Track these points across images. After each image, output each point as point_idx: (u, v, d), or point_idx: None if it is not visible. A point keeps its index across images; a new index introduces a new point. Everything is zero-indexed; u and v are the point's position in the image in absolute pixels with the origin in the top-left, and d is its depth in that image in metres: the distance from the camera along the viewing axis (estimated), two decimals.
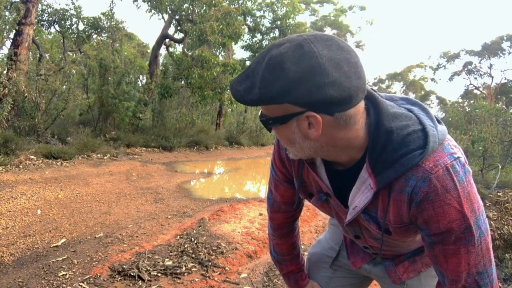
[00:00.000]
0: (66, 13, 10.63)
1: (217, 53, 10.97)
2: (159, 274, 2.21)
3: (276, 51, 0.61)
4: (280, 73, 0.59)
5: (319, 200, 0.87)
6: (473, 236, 0.66)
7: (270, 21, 13.58)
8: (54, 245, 2.64)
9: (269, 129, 0.71)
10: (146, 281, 2.11)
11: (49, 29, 11.28)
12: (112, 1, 10.30)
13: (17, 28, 7.14)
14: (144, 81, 11.71)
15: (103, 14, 10.88)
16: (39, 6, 9.58)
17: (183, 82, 10.45)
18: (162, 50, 13.27)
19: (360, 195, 0.75)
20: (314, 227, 3.69)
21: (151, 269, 2.25)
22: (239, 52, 25.46)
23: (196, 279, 2.21)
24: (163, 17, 11.44)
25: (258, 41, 14.10)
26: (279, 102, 0.61)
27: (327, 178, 0.80)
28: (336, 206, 0.84)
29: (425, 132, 0.67)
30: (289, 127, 0.67)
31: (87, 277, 2.13)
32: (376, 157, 0.68)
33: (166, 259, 2.45)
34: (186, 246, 2.71)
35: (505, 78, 25.45)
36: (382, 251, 0.94)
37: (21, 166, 4.96)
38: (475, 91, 28.05)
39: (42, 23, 10.71)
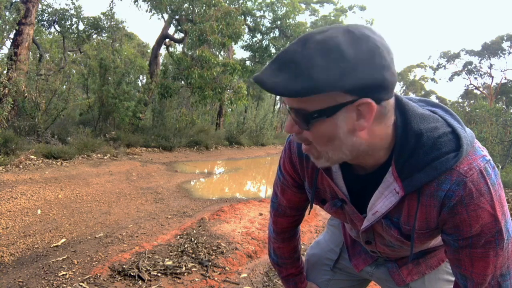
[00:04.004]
0: (66, 13, 10.62)
1: (217, 53, 10.97)
2: (159, 274, 2.21)
3: (321, 36, 0.57)
4: (338, 56, 0.54)
5: (333, 206, 0.83)
6: (502, 239, 0.66)
7: (270, 21, 13.58)
8: (54, 245, 2.63)
9: (306, 127, 0.62)
10: (146, 281, 2.11)
11: (49, 29, 11.28)
12: (112, 1, 10.29)
13: (17, 28, 7.13)
14: (144, 81, 11.71)
15: (103, 14, 10.87)
16: (39, 6, 9.58)
17: (183, 82, 10.46)
18: (162, 50, 13.27)
19: (383, 200, 0.71)
20: (314, 227, 3.69)
21: (151, 269, 2.25)
22: (239, 52, 25.48)
23: (196, 279, 2.21)
24: (163, 17, 11.44)
25: (258, 41, 14.09)
26: (331, 89, 0.55)
27: (344, 185, 0.77)
28: (351, 213, 0.81)
29: (456, 134, 0.65)
30: (334, 120, 0.60)
31: (87, 277, 2.12)
32: (404, 160, 0.65)
33: (166, 259, 2.45)
34: (186, 246, 2.71)
35: (505, 78, 25.46)
36: (383, 253, 0.92)
37: (21, 166, 4.96)
38: (475, 91, 28.07)
39: (42, 23, 10.71)
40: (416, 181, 0.65)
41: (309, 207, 0.91)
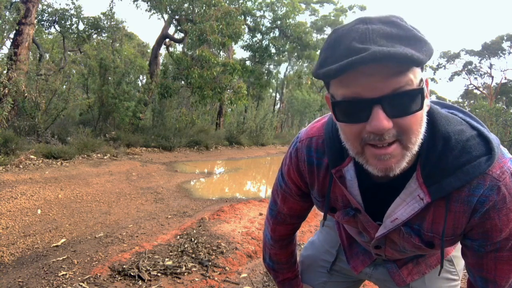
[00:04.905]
0: (66, 13, 10.63)
1: (218, 53, 10.97)
2: (159, 274, 2.21)
3: (385, 15, 0.58)
4: (418, 29, 0.57)
5: (345, 216, 0.80)
6: None
7: (270, 21, 13.58)
8: (54, 245, 2.63)
9: (419, 107, 0.56)
10: (146, 281, 2.10)
11: (49, 29, 11.29)
12: (112, 1, 10.29)
13: (17, 28, 7.13)
14: (144, 81, 11.72)
15: (103, 14, 10.88)
16: (39, 6, 9.58)
17: (183, 82, 10.46)
18: (162, 50, 13.28)
19: (404, 207, 0.68)
20: (314, 227, 3.69)
21: (151, 269, 2.25)
22: (239, 52, 25.51)
23: (196, 279, 2.20)
24: (163, 17, 11.45)
25: (258, 41, 14.10)
26: (426, 62, 0.55)
27: (359, 193, 0.73)
28: (365, 221, 0.77)
29: (483, 137, 0.63)
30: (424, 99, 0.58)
31: (87, 277, 2.12)
32: (431, 165, 0.63)
33: (166, 259, 2.45)
34: (186, 246, 2.71)
35: (505, 78, 25.49)
36: (389, 256, 0.90)
37: (21, 166, 4.96)
38: (475, 91, 28.09)
39: (42, 23, 10.71)
40: (446, 187, 0.62)
41: (323, 218, 0.88)
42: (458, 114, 0.69)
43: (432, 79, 30.61)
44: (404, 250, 0.80)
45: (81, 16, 10.86)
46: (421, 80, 0.57)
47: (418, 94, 0.55)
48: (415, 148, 0.59)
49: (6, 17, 6.94)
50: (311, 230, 3.57)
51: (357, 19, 0.58)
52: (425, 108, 0.60)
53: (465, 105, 26.67)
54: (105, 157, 6.63)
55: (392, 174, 0.59)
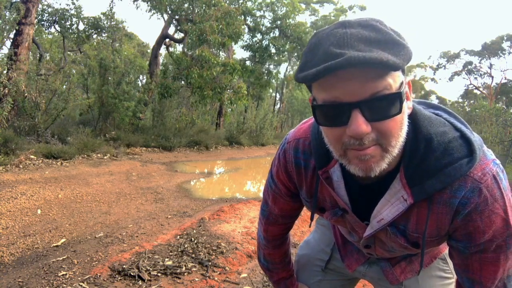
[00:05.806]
0: (66, 13, 10.62)
1: (218, 53, 10.96)
2: (159, 274, 2.21)
3: (370, 21, 0.58)
4: (400, 34, 0.57)
5: (333, 216, 0.81)
6: None
7: (270, 21, 13.58)
8: (54, 245, 2.63)
9: (398, 111, 0.56)
10: (146, 281, 2.10)
11: (49, 29, 11.27)
12: (112, 1, 10.29)
13: (17, 28, 7.14)
14: (144, 81, 11.72)
15: (103, 14, 10.88)
16: (39, 6, 9.57)
17: (183, 82, 10.46)
18: (162, 50, 13.27)
19: (389, 208, 0.69)
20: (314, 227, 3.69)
21: (151, 269, 2.25)
22: (239, 52, 25.49)
23: (196, 279, 2.21)
24: (163, 17, 11.45)
25: (258, 41, 14.09)
26: (406, 64, 0.55)
27: (345, 194, 0.74)
28: (353, 221, 0.79)
29: (466, 139, 0.63)
30: (404, 102, 0.58)
31: (87, 277, 2.12)
32: (414, 167, 0.63)
33: (166, 259, 2.45)
34: (186, 246, 2.71)
35: (505, 78, 25.47)
36: (380, 255, 0.91)
37: (21, 166, 4.96)
38: (475, 91, 28.08)
39: (42, 23, 10.70)
40: (428, 188, 0.63)
41: (310, 219, 0.89)
42: (442, 115, 0.69)
43: (432, 79, 30.68)
44: (393, 249, 0.82)
45: (81, 16, 10.84)
46: (402, 83, 0.57)
47: (396, 98, 0.56)
48: (395, 150, 0.59)
49: (6, 17, 6.93)
50: (311, 230, 3.57)
51: (337, 22, 0.59)
52: (406, 111, 0.61)
53: (465, 105, 26.65)
54: (105, 157, 6.63)
55: (373, 174, 0.60)
